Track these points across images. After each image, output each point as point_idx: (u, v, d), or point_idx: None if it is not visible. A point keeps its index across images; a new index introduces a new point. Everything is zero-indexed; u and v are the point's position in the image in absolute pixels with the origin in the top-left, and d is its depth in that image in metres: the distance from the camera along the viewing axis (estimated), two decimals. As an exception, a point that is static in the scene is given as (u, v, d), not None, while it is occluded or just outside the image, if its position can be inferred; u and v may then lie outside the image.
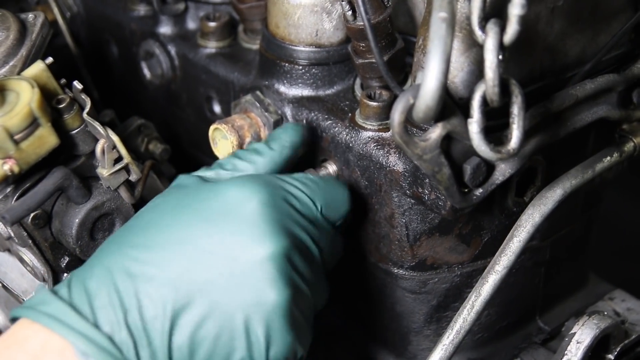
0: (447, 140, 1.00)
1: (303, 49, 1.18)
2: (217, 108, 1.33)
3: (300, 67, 1.19)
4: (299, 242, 1.02)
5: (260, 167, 1.10)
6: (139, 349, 0.94)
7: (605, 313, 1.21)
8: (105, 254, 0.98)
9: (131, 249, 0.97)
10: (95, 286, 0.95)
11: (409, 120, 1.02)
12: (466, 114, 0.98)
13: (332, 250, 1.10)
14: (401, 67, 1.16)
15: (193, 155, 1.42)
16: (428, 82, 0.89)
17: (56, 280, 1.18)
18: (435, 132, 0.98)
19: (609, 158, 1.17)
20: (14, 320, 0.96)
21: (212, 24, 1.33)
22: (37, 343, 0.92)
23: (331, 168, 1.16)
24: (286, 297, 0.98)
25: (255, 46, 1.30)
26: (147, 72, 1.43)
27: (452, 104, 0.99)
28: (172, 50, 1.37)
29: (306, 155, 1.18)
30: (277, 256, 0.98)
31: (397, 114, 0.93)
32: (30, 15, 1.19)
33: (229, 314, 0.96)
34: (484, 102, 0.96)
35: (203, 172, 1.10)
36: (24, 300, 1.20)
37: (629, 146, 1.20)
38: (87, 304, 0.94)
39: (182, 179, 1.09)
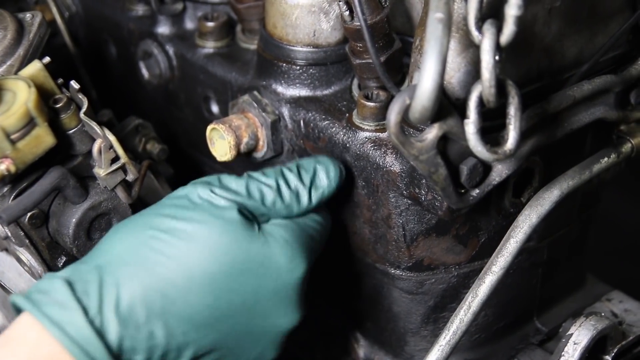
0: (443, 141, 1.00)
1: (301, 49, 1.18)
2: (214, 108, 1.33)
3: (298, 67, 1.18)
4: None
5: (294, 212, 1.09)
6: None
7: (603, 314, 1.21)
8: (145, 284, 0.97)
9: (171, 287, 0.98)
10: (130, 318, 0.95)
11: (405, 120, 1.02)
12: (463, 114, 0.98)
13: None
14: (399, 68, 1.15)
15: (191, 155, 1.42)
16: (424, 83, 0.89)
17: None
18: (432, 133, 0.98)
19: (606, 159, 1.17)
20: (18, 310, 0.96)
21: (210, 24, 1.32)
22: None
23: None
24: (278, 354, 1.08)
25: (253, 46, 1.30)
26: (145, 72, 1.42)
27: (448, 105, 0.99)
28: (170, 50, 1.37)
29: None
30: (292, 328, 1.07)
31: (393, 115, 0.93)
32: (28, 15, 1.19)
33: None
34: (481, 102, 0.96)
35: (243, 200, 1.05)
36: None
37: (626, 147, 1.19)
38: (117, 335, 0.94)
39: (224, 214, 1.03)
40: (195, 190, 1.04)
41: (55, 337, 0.92)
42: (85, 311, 0.93)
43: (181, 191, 1.05)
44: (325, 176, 1.10)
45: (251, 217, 1.05)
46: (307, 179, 1.09)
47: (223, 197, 1.03)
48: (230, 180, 1.06)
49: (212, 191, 1.04)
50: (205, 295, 0.99)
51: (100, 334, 0.93)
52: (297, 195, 1.08)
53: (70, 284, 0.95)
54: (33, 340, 0.93)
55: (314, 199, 1.09)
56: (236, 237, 1.01)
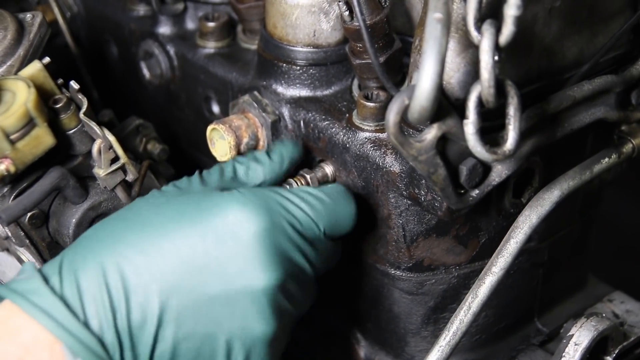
0: (442, 141, 1.00)
1: (301, 49, 1.18)
2: (215, 108, 1.33)
3: (298, 68, 1.18)
4: (295, 268, 1.03)
5: (259, 175, 1.09)
6: (124, 352, 0.96)
7: (604, 315, 1.21)
8: (100, 247, 0.98)
9: (127, 249, 0.97)
10: (87, 281, 0.95)
11: (405, 121, 1.02)
12: (462, 115, 0.98)
13: (328, 261, 1.10)
14: (399, 68, 1.15)
15: (192, 155, 1.42)
16: (423, 83, 0.89)
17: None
18: (431, 133, 0.98)
19: (607, 159, 1.17)
20: None
21: (211, 24, 1.33)
22: (28, 336, 0.93)
23: (328, 169, 1.16)
24: (273, 329, 1.01)
25: (254, 46, 1.30)
26: (146, 72, 1.43)
27: (447, 105, 0.98)
28: (171, 50, 1.37)
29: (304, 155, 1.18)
30: (272, 288, 1.00)
31: (392, 115, 0.93)
32: (29, 15, 1.19)
33: (213, 335, 0.99)
34: (480, 103, 0.96)
35: (206, 176, 1.10)
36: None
37: (627, 147, 1.19)
38: (78, 298, 0.95)
39: (184, 181, 1.09)
40: (165, 186, 1.09)
41: (20, 308, 0.93)
42: (45, 280, 0.95)
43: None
44: (278, 143, 1.15)
45: (211, 186, 1.07)
46: (263, 149, 1.15)
47: (185, 179, 1.09)
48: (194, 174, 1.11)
49: (177, 180, 1.09)
50: (160, 249, 0.97)
51: (61, 298, 0.94)
52: (254, 158, 1.11)
53: (40, 269, 0.97)
54: (3, 316, 0.94)
55: (275, 157, 1.11)
56: (188, 196, 1.03)
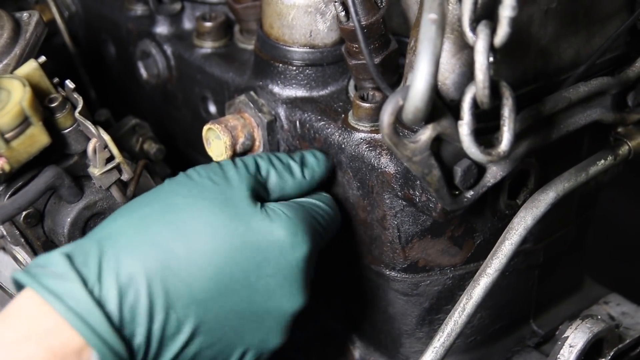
0: (437, 142, 1.00)
1: (297, 49, 1.18)
2: (212, 108, 1.33)
3: (294, 68, 1.18)
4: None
5: (288, 188, 1.10)
6: (148, 356, 0.97)
7: (599, 317, 1.20)
8: (144, 254, 0.96)
9: (172, 258, 0.97)
10: (130, 289, 0.94)
11: (400, 121, 1.01)
12: (457, 116, 0.97)
13: None
14: (394, 69, 1.15)
15: (188, 155, 1.42)
16: (417, 84, 0.89)
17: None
18: (425, 134, 0.98)
19: (603, 161, 1.16)
20: (20, 287, 0.95)
21: (208, 24, 1.33)
22: (57, 339, 0.91)
23: None
24: (283, 341, 1.06)
25: (250, 46, 1.30)
26: (143, 72, 1.43)
27: (442, 106, 0.98)
28: (168, 50, 1.37)
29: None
30: (297, 311, 1.05)
31: (386, 116, 0.93)
32: (25, 14, 1.19)
33: (233, 345, 1.02)
34: (475, 104, 0.96)
35: (241, 174, 1.06)
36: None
37: (623, 149, 1.19)
38: (117, 305, 0.93)
39: (219, 173, 1.05)
40: (195, 170, 1.06)
41: (54, 309, 0.91)
42: (84, 281, 0.93)
43: (181, 173, 1.07)
44: (312, 156, 1.13)
45: (252, 193, 1.05)
46: (296, 157, 1.12)
47: (223, 170, 1.06)
48: (227, 160, 1.09)
49: (211, 168, 1.06)
50: (207, 267, 0.98)
51: (99, 303, 0.92)
52: (289, 168, 1.10)
53: (69, 257, 0.95)
54: (32, 314, 0.92)
55: (307, 175, 1.11)
56: (237, 210, 1.01)
